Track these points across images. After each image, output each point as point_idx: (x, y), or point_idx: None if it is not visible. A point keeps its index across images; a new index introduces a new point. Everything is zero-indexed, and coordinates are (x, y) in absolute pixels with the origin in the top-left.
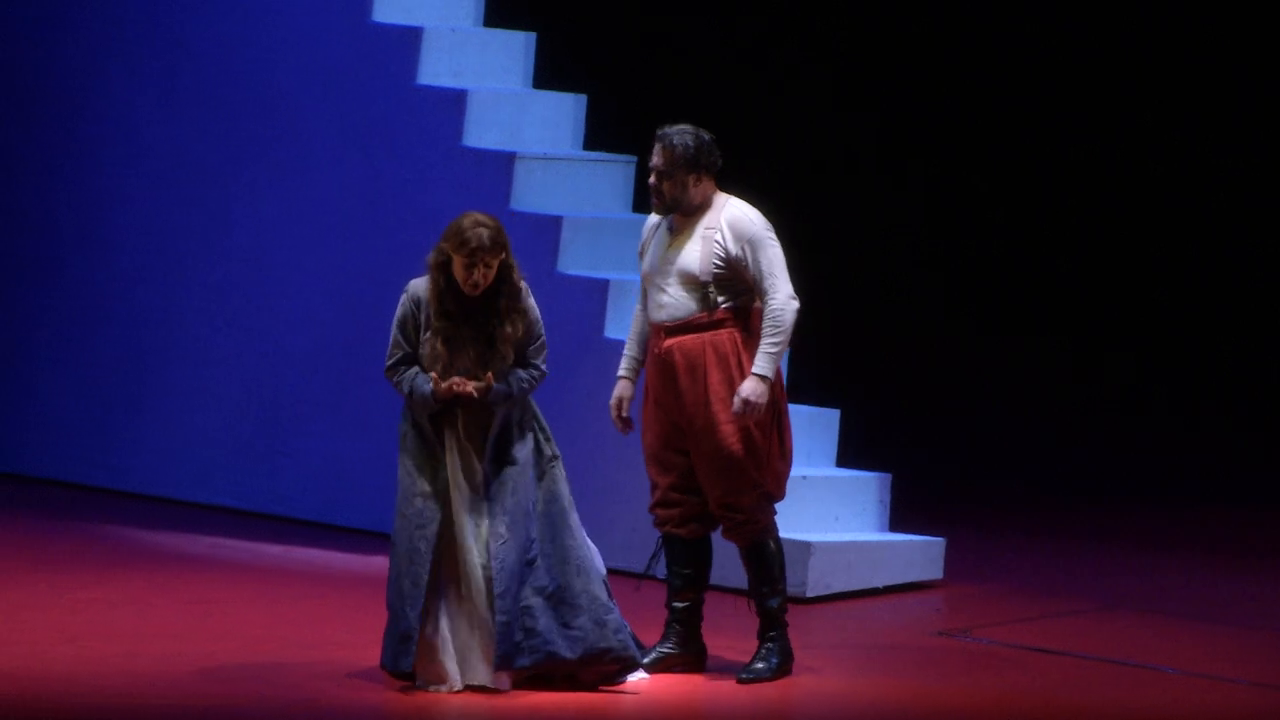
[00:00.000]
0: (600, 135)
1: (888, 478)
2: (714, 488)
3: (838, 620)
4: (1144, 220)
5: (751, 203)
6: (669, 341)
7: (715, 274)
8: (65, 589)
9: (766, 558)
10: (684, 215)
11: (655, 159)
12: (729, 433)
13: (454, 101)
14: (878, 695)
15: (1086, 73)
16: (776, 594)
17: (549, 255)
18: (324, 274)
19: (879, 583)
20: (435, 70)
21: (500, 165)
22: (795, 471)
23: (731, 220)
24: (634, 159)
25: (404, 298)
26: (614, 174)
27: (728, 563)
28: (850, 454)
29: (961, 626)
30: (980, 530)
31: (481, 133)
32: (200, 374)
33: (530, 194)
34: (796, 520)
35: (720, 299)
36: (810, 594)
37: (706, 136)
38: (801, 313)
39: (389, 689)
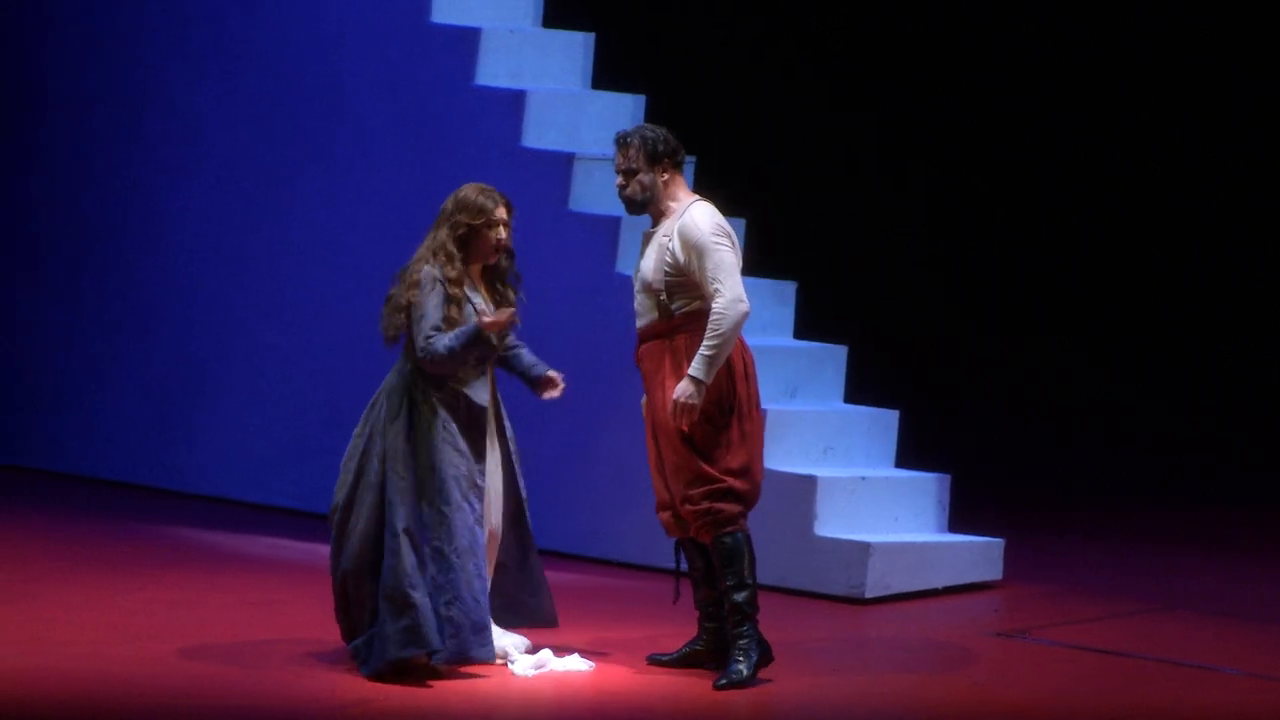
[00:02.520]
0: None
1: (947, 478)
2: (674, 485)
3: (896, 621)
4: (1144, 221)
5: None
6: (640, 349)
7: (668, 281)
8: (124, 590)
9: (730, 552)
10: (656, 219)
11: (617, 162)
12: (684, 434)
13: (512, 102)
14: (936, 695)
15: (1086, 73)
16: (744, 588)
17: (607, 256)
18: (382, 274)
19: (938, 583)
20: (494, 71)
21: (559, 166)
22: (854, 472)
23: (681, 227)
24: (693, 159)
25: (433, 283)
26: None
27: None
28: (909, 455)
29: (1020, 627)
30: (1039, 530)
31: (540, 133)
32: (258, 375)
33: (589, 195)
34: (855, 521)
35: (676, 305)
36: (869, 594)
37: (661, 131)
38: (748, 316)
39: (450, 684)
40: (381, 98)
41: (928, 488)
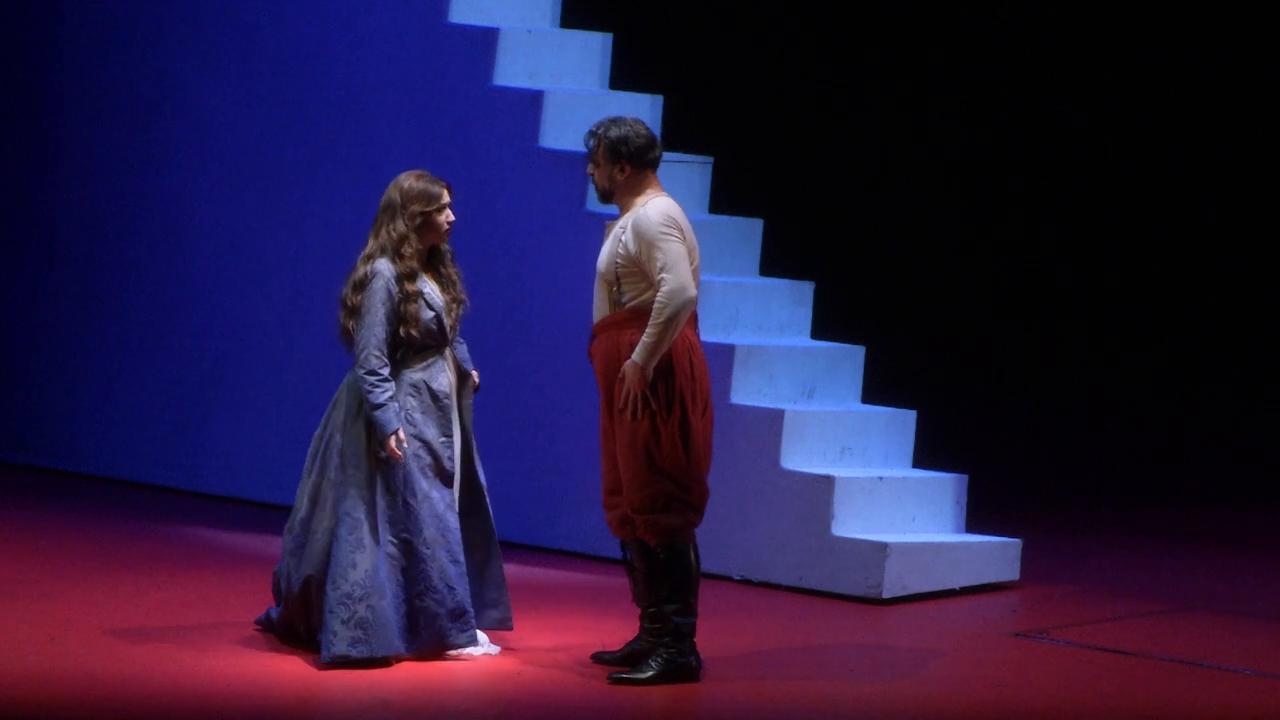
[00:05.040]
0: (677, 136)
1: (964, 479)
2: (626, 486)
3: (914, 621)
4: (1151, 221)
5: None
6: (593, 344)
7: (619, 271)
8: (142, 590)
9: (670, 563)
10: (622, 212)
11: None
12: (629, 431)
13: (530, 102)
14: (954, 696)
15: (1091, 73)
16: (676, 602)
17: None
18: None
19: (956, 584)
20: (511, 71)
21: (576, 167)
22: (872, 472)
23: (635, 219)
24: (710, 160)
25: (381, 283)
26: (691, 175)
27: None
28: (926, 455)
29: (1038, 627)
30: (1057, 531)
31: (558, 134)
32: (274, 375)
33: None
34: (873, 521)
35: (625, 296)
36: (887, 595)
37: (629, 130)
38: (693, 304)
39: (468, 680)
40: (398, 98)
41: (945, 488)
